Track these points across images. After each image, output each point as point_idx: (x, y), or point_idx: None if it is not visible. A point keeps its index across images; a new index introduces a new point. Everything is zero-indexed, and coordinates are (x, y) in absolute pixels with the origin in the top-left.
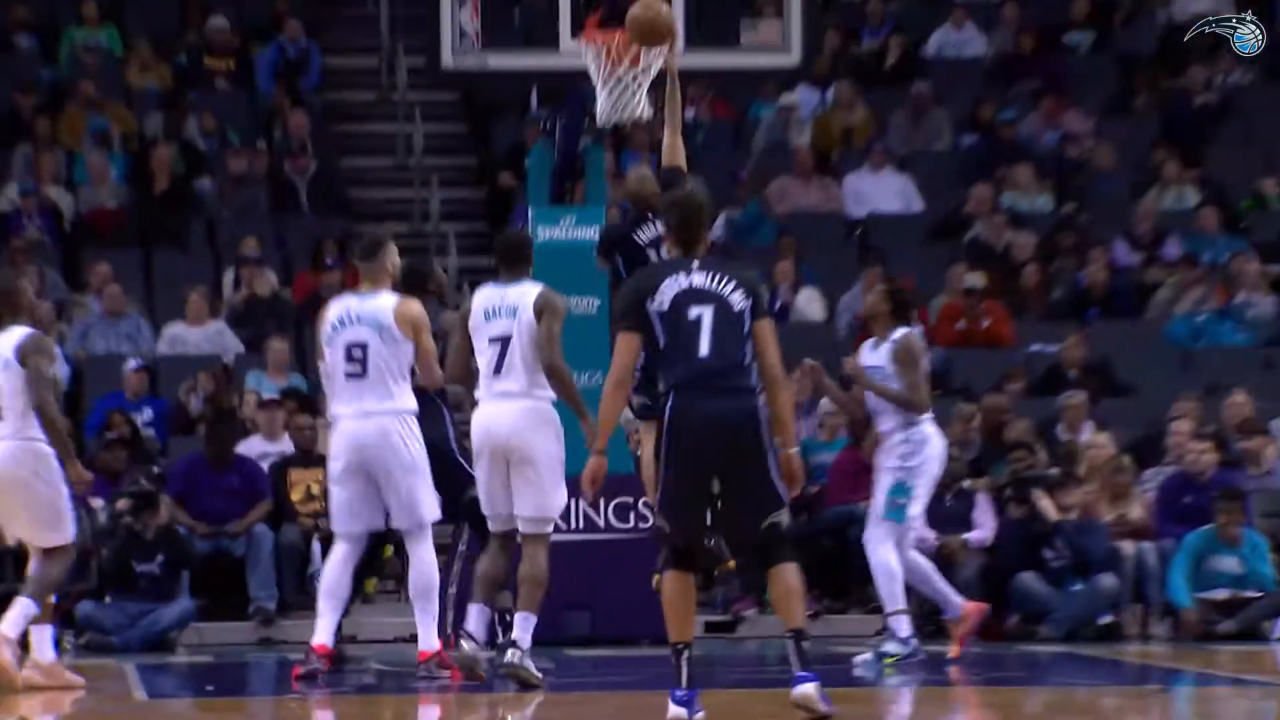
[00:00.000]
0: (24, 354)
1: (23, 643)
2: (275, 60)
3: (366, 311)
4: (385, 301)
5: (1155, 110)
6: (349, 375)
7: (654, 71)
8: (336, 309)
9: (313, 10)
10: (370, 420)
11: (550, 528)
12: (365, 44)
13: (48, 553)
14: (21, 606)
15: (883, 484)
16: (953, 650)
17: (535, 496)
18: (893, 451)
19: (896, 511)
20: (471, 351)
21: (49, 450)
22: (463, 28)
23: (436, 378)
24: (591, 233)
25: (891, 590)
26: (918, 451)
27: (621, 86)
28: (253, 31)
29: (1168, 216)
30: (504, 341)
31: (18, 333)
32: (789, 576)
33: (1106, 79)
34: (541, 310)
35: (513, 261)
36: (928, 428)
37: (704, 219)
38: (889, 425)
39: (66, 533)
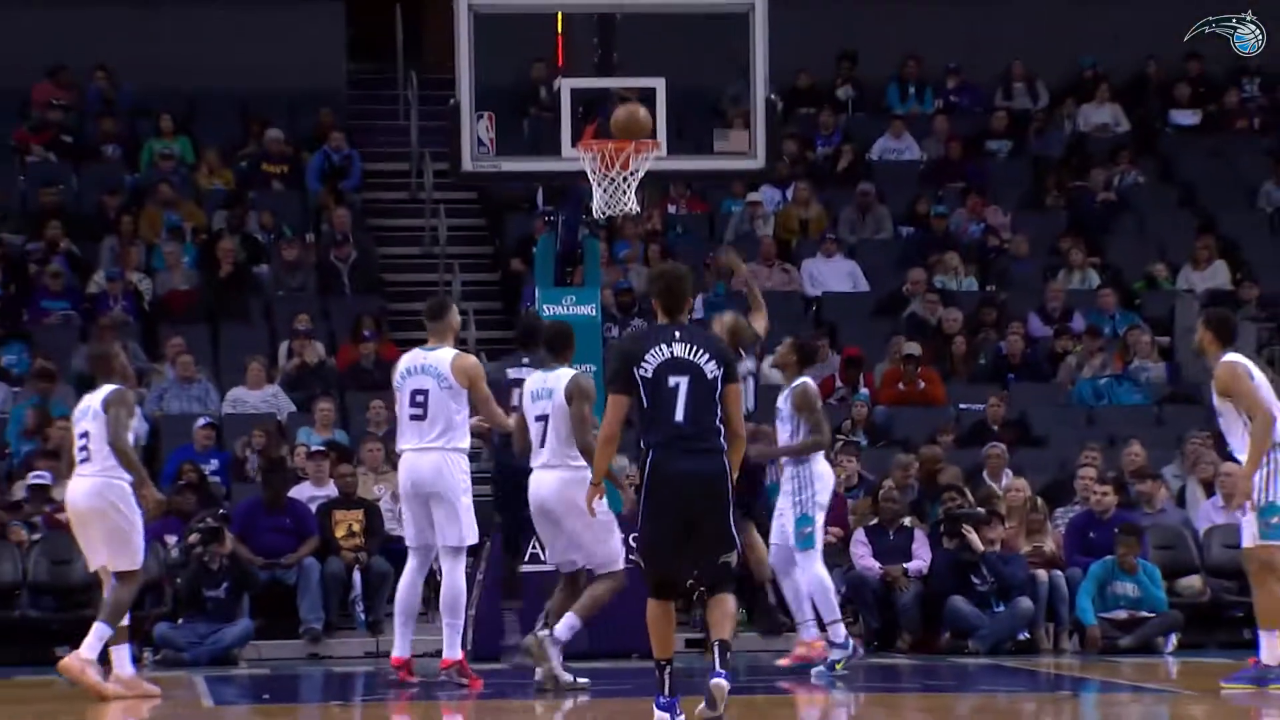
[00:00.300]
0: (108, 404)
1: (104, 660)
2: (322, 165)
3: (429, 363)
4: (445, 354)
5: (1063, 206)
6: (412, 417)
7: (641, 174)
8: (406, 360)
9: (353, 123)
10: (425, 455)
11: (615, 566)
12: (398, 151)
13: (119, 577)
14: (97, 630)
15: (788, 520)
16: (785, 660)
17: (590, 548)
18: (785, 488)
19: (807, 540)
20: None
21: (128, 487)
22: (480, 137)
23: (498, 419)
24: (588, 309)
25: (827, 601)
26: (807, 485)
27: (614, 186)
28: (303, 141)
29: (1074, 295)
30: (545, 420)
31: (107, 389)
32: (727, 603)
33: (1022, 180)
34: (571, 395)
35: (556, 349)
36: (817, 466)
37: (685, 290)
38: (784, 459)
39: (136, 560)
